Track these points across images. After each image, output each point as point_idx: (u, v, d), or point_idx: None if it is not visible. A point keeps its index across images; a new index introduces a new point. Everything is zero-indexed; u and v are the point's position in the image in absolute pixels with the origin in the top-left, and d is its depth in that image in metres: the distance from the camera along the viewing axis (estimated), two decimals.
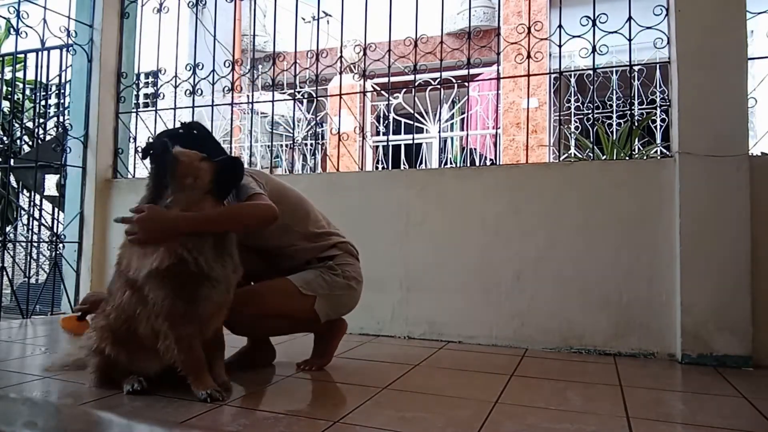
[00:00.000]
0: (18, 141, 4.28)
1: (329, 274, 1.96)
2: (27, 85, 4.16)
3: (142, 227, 1.56)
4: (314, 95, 4.51)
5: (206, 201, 1.62)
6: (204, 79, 3.39)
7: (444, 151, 7.00)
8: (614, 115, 5.49)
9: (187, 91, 3.40)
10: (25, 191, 4.42)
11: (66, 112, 3.72)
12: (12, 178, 4.24)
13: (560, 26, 2.70)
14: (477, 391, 1.77)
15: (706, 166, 2.27)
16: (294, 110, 3.66)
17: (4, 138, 4.34)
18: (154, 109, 3.56)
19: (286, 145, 7.47)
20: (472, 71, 3.02)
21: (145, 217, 1.56)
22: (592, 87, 2.82)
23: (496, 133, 6.67)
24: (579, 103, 6.31)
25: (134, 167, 3.60)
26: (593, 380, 1.98)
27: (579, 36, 2.67)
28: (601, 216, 2.50)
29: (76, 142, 3.44)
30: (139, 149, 1.77)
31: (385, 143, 4.05)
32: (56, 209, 3.94)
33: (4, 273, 3.24)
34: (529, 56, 2.79)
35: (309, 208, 2.06)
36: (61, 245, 3.46)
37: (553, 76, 6.34)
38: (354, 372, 2.07)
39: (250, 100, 3.71)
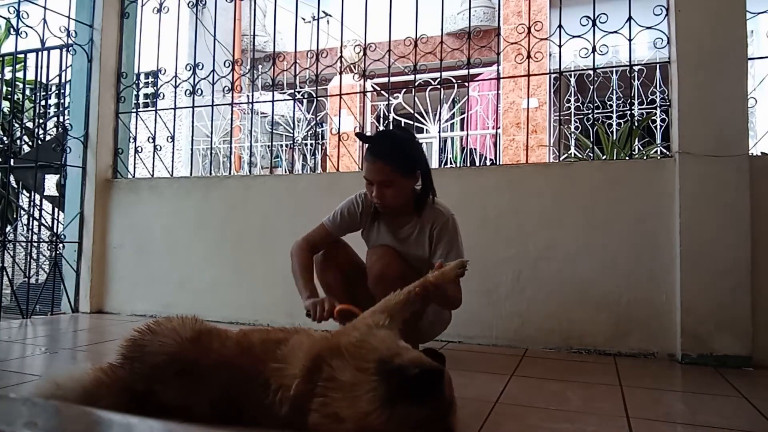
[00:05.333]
0: (18, 141, 4.28)
1: None
2: (27, 85, 4.16)
3: None
4: (314, 95, 4.51)
5: None
6: (204, 79, 3.39)
7: (444, 151, 7.01)
8: (614, 115, 5.49)
9: (187, 91, 3.40)
10: (25, 191, 4.41)
11: (66, 112, 3.71)
12: (12, 178, 4.24)
13: (560, 26, 2.70)
14: (477, 391, 1.77)
15: (706, 166, 2.27)
16: (294, 110, 3.66)
17: (4, 138, 4.34)
18: (154, 109, 3.56)
19: (286, 145, 7.48)
20: (472, 71, 3.02)
21: None
22: (592, 87, 2.82)
23: (496, 133, 6.67)
24: (579, 103, 6.30)
25: (134, 167, 3.60)
26: (593, 380, 1.98)
27: (579, 36, 2.67)
28: (601, 216, 2.50)
29: (76, 142, 3.44)
30: None
31: None
32: (56, 209, 3.93)
33: (4, 273, 3.24)
34: (529, 56, 2.80)
35: None
36: (61, 245, 3.45)
37: (553, 76, 6.36)
38: None
39: (250, 100, 3.71)
